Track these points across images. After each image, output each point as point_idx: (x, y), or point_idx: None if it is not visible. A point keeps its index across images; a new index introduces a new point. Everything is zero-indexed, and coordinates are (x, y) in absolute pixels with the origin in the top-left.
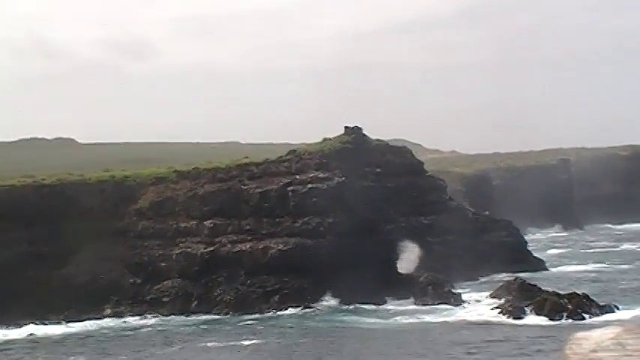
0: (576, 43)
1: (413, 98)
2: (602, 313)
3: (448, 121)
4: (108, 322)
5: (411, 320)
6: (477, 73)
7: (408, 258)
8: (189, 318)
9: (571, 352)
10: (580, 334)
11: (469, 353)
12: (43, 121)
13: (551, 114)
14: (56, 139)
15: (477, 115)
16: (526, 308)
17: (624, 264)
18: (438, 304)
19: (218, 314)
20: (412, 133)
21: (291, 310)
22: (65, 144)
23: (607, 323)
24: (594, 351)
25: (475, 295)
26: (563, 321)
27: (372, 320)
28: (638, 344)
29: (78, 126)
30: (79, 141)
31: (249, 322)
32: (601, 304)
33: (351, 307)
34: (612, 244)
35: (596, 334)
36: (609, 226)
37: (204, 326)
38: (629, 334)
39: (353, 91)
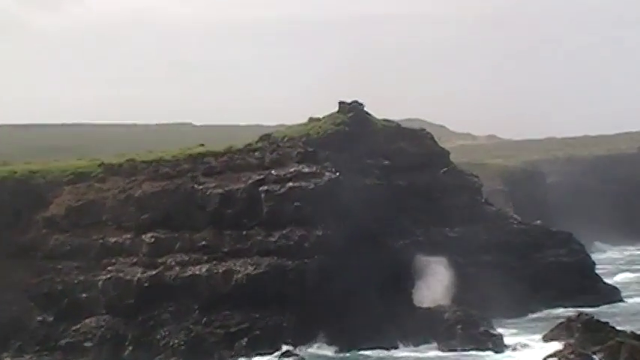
0: None
1: (437, 64)
2: None
3: (485, 95)
4: None
5: None
6: (526, 31)
7: (432, 285)
8: None
9: None
10: None
11: None
12: None
13: (625, 87)
14: None
15: (524, 88)
16: (595, 356)
17: None
18: (470, 349)
19: None
20: (434, 111)
21: (264, 359)
22: None
23: None
24: None
25: (523, 339)
26: None
27: None
28: None
29: None
30: None
31: None
32: None
33: (349, 354)
34: None
35: None
36: None
37: None
38: None
39: (353, 53)
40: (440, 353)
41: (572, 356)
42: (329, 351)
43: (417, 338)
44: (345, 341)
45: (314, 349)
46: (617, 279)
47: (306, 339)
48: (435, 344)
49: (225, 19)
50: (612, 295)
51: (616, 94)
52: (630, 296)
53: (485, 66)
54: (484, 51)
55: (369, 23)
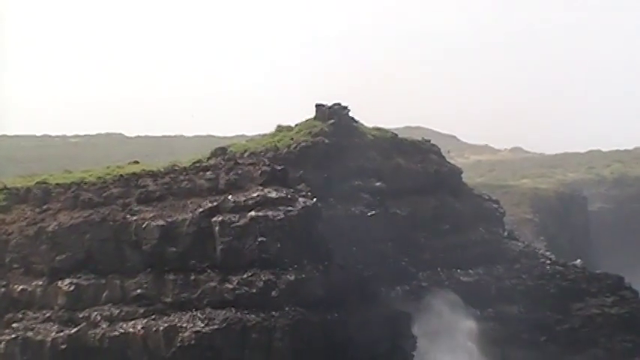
0: None
1: (443, 58)
2: None
3: (507, 98)
4: None
5: None
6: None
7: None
8: None
9: None
10: None
11: None
12: None
13: None
14: None
15: (559, 87)
16: None
17: None
18: None
19: None
20: (441, 117)
21: None
22: None
23: None
24: None
25: None
26: None
27: None
28: None
29: None
30: None
31: None
32: None
33: None
34: None
35: None
36: None
37: None
38: None
39: (333, 46)
40: None
41: None
42: None
43: None
44: None
45: None
46: None
47: None
48: None
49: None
50: None
51: None
52: None
53: (508, 60)
54: (506, 42)
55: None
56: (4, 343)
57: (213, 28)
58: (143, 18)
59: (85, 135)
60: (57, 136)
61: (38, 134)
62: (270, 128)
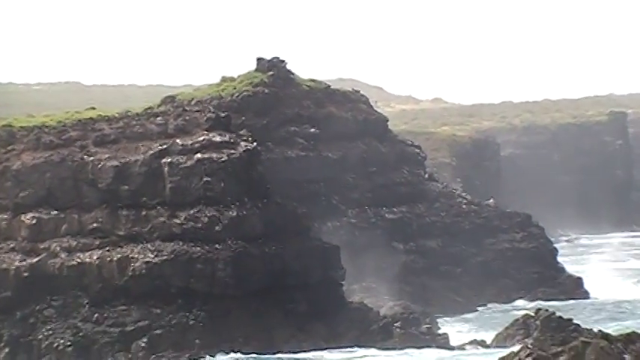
0: None
1: (372, 15)
2: None
3: (429, 53)
4: None
5: None
6: None
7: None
8: None
9: None
10: None
11: None
12: None
13: (596, 45)
14: None
15: (475, 44)
16: (556, 359)
17: None
18: (409, 348)
19: None
20: (370, 70)
21: None
22: None
23: None
24: None
25: (472, 338)
26: None
27: None
28: None
29: None
30: None
31: None
32: None
33: (266, 359)
34: None
35: None
36: None
37: None
38: None
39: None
40: (374, 354)
41: (529, 359)
42: (240, 353)
43: (348, 338)
44: (263, 343)
45: (225, 353)
46: (592, 268)
47: (215, 340)
48: (369, 344)
49: None
50: (575, 287)
51: (582, 53)
52: (601, 289)
53: (430, 18)
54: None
55: None
56: None
57: None
58: None
59: (47, 83)
60: (21, 84)
61: (4, 82)
62: (215, 79)
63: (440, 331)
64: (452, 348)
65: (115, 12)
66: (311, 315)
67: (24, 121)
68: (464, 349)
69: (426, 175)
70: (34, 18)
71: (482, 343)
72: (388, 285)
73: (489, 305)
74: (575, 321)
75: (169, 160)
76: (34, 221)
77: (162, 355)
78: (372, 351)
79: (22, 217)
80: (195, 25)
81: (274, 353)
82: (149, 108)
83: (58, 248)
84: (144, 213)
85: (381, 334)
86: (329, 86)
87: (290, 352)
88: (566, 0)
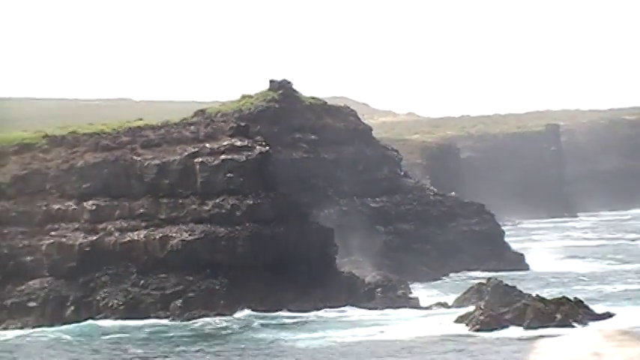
0: None
1: (361, 45)
2: (594, 322)
3: (405, 76)
4: None
5: (352, 336)
6: (439, 11)
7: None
8: (62, 328)
9: None
10: (549, 343)
11: None
12: None
13: (537, 69)
14: None
15: (440, 67)
16: (503, 317)
17: (627, 261)
18: (388, 309)
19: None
20: (357, 90)
21: (197, 320)
22: None
23: (592, 333)
24: None
25: (437, 301)
26: (549, 332)
27: (302, 336)
28: (616, 354)
29: None
30: None
31: (143, 335)
32: (598, 311)
33: (276, 316)
34: (613, 235)
35: (569, 343)
36: (608, 213)
37: (83, 340)
38: (608, 341)
39: (283, 33)
40: (358, 314)
41: (482, 317)
42: (254, 311)
43: (339, 300)
44: (272, 303)
45: (243, 310)
46: (532, 246)
47: (236, 301)
48: (355, 307)
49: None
50: (519, 262)
51: (527, 73)
52: (539, 263)
53: (406, 46)
54: (405, 30)
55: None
56: (45, 245)
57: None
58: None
59: (104, 99)
60: (84, 100)
61: (70, 98)
62: (236, 96)
63: (412, 295)
64: (421, 308)
65: (158, 42)
66: (310, 282)
67: (86, 128)
68: (431, 309)
69: (402, 173)
70: (96, 42)
71: (444, 305)
72: (371, 259)
73: (451, 275)
74: (518, 288)
75: (200, 159)
76: (93, 207)
77: (194, 313)
78: (359, 310)
79: (85, 204)
80: (221, 52)
81: (281, 310)
82: (184, 119)
83: (112, 228)
84: (180, 201)
85: (365, 297)
86: (325, 102)
87: (294, 310)
88: (513, 32)
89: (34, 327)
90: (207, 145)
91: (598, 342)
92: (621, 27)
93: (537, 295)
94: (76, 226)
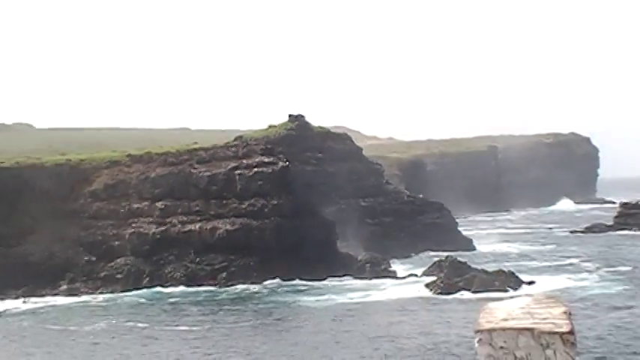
0: (505, 33)
1: (353, 86)
2: (522, 288)
3: (385, 109)
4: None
5: (349, 298)
6: (413, 61)
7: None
8: (139, 292)
9: (484, 320)
10: (494, 304)
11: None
12: (2, 107)
13: (481, 103)
14: (15, 124)
15: (412, 103)
16: (457, 284)
17: (545, 244)
18: (374, 279)
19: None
20: (352, 120)
21: (237, 287)
22: (23, 129)
23: (523, 296)
24: (505, 319)
25: (410, 272)
26: (491, 295)
27: (312, 298)
28: (543, 313)
29: (36, 112)
30: (37, 126)
31: (199, 298)
32: (523, 279)
33: (294, 284)
34: (536, 225)
35: (508, 304)
36: (533, 210)
37: (159, 303)
38: (537, 303)
39: (298, 79)
40: (353, 282)
41: (442, 285)
42: (279, 280)
43: (339, 272)
44: (291, 275)
45: (270, 280)
46: (477, 233)
47: (265, 273)
48: (351, 277)
49: (216, 59)
50: (468, 244)
51: (473, 107)
52: (479, 245)
53: (386, 88)
54: (385, 77)
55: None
56: (127, 234)
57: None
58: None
59: (168, 128)
60: (155, 129)
61: (146, 127)
62: (264, 125)
63: (391, 269)
64: (398, 278)
65: (209, 86)
66: (318, 259)
67: (157, 149)
68: (405, 278)
69: (384, 181)
70: (163, 85)
71: (415, 275)
72: (362, 243)
73: (420, 255)
74: (467, 263)
75: (239, 172)
76: (163, 206)
77: (234, 282)
78: (354, 280)
79: (156, 204)
80: (252, 91)
81: (297, 280)
82: (227, 142)
83: (176, 221)
84: (224, 202)
85: (358, 271)
86: (329, 130)
87: (307, 280)
88: (464, 76)
89: (120, 292)
90: (244, 161)
91: (529, 303)
92: (543, 68)
93: (482, 269)
94: (150, 219)
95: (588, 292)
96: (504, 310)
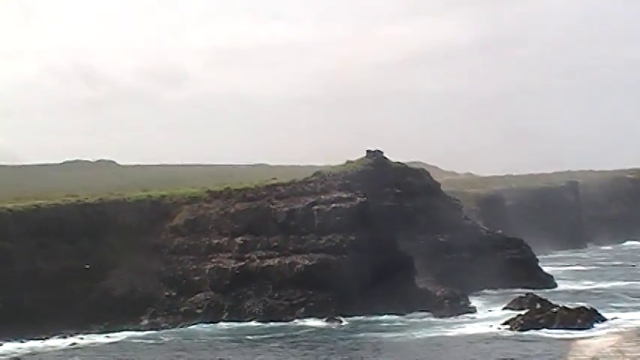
0: (584, 71)
1: (430, 123)
2: (605, 324)
3: (463, 145)
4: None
5: (429, 334)
6: (489, 101)
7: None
8: (218, 326)
9: (573, 358)
10: (583, 342)
11: None
12: (86, 145)
13: (561, 138)
14: (98, 161)
15: (490, 139)
16: (537, 321)
17: (627, 280)
18: (454, 316)
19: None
20: (429, 156)
21: (315, 322)
22: (106, 166)
23: (609, 334)
24: (595, 358)
25: (489, 308)
26: (573, 332)
27: (392, 335)
28: (636, 351)
29: (118, 149)
30: (120, 163)
31: (280, 334)
32: (606, 316)
33: (374, 320)
34: (617, 262)
35: (597, 342)
36: (614, 245)
37: (234, 338)
38: (628, 341)
39: (375, 117)
40: (432, 319)
41: (522, 322)
42: (358, 316)
43: (417, 309)
44: (369, 311)
45: (348, 316)
46: (558, 269)
47: (342, 309)
48: (430, 313)
49: (295, 95)
50: (549, 281)
51: (555, 137)
52: (563, 282)
53: (462, 126)
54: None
55: (384, 97)
56: (207, 269)
57: None
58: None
59: (247, 165)
60: (235, 165)
61: (226, 164)
62: (342, 161)
63: (470, 305)
64: (478, 314)
65: (288, 123)
66: (396, 295)
67: (237, 185)
68: (484, 314)
69: (463, 216)
70: (241, 122)
71: (494, 311)
72: (439, 279)
73: (499, 290)
74: (548, 300)
75: (317, 207)
76: (242, 241)
77: (312, 317)
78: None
79: (236, 239)
80: (330, 128)
81: (375, 315)
82: (306, 178)
83: (255, 257)
84: (303, 237)
85: (437, 306)
86: (406, 166)
87: (385, 315)
88: (538, 114)
89: (199, 325)
90: (322, 196)
91: (619, 342)
92: (624, 100)
93: (563, 306)
94: (230, 255)
95: None
96: (594, 348)
